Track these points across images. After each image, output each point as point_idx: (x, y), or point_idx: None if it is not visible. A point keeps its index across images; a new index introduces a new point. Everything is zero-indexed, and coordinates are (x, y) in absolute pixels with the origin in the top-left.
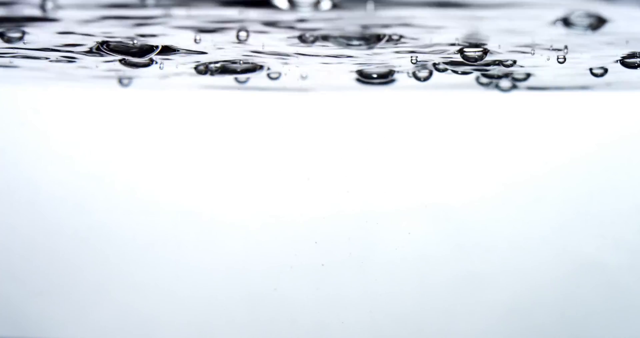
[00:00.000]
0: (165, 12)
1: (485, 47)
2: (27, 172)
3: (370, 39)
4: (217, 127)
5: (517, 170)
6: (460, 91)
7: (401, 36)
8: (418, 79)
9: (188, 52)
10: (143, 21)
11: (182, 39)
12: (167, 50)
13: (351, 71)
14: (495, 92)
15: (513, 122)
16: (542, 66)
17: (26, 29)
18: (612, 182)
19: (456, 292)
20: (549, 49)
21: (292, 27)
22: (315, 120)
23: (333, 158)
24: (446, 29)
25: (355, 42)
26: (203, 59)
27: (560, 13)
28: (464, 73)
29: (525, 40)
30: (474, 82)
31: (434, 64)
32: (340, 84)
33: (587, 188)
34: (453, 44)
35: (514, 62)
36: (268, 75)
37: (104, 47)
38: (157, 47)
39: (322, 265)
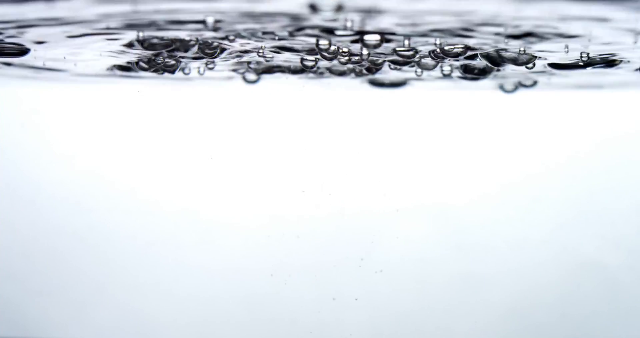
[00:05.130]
0: None
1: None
2: (27, 172)
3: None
4: (217, 126)
5: (516, 170)
6: (460, 91)
7: None
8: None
9: None
10: None
11: None
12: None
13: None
14: (495, 93)
15: (513, 122)
16: None
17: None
18: (612, 182)
19: (456, 292)
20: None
21: None
22: (314, 119)
23: (333, 158)
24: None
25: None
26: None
27: None
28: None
29: None
30: (474, 82)
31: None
32: (348, 84)
33: (587, 188)
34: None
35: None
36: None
37: None
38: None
39: (322, 264)
